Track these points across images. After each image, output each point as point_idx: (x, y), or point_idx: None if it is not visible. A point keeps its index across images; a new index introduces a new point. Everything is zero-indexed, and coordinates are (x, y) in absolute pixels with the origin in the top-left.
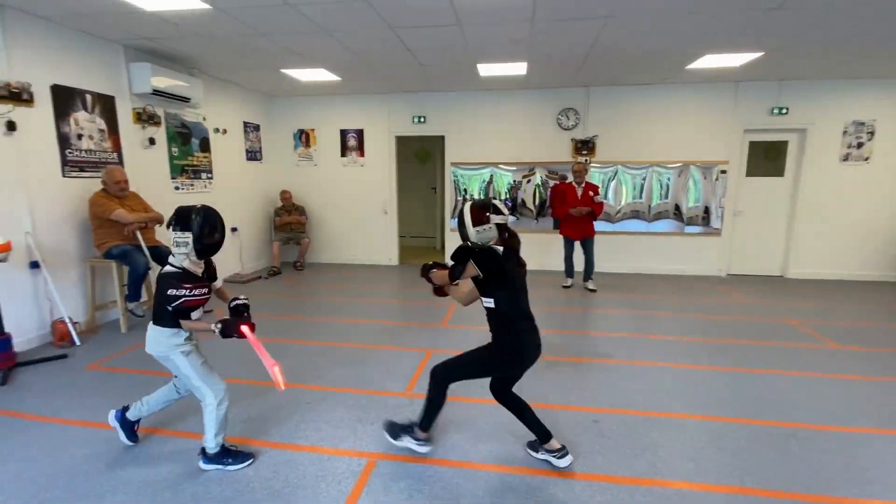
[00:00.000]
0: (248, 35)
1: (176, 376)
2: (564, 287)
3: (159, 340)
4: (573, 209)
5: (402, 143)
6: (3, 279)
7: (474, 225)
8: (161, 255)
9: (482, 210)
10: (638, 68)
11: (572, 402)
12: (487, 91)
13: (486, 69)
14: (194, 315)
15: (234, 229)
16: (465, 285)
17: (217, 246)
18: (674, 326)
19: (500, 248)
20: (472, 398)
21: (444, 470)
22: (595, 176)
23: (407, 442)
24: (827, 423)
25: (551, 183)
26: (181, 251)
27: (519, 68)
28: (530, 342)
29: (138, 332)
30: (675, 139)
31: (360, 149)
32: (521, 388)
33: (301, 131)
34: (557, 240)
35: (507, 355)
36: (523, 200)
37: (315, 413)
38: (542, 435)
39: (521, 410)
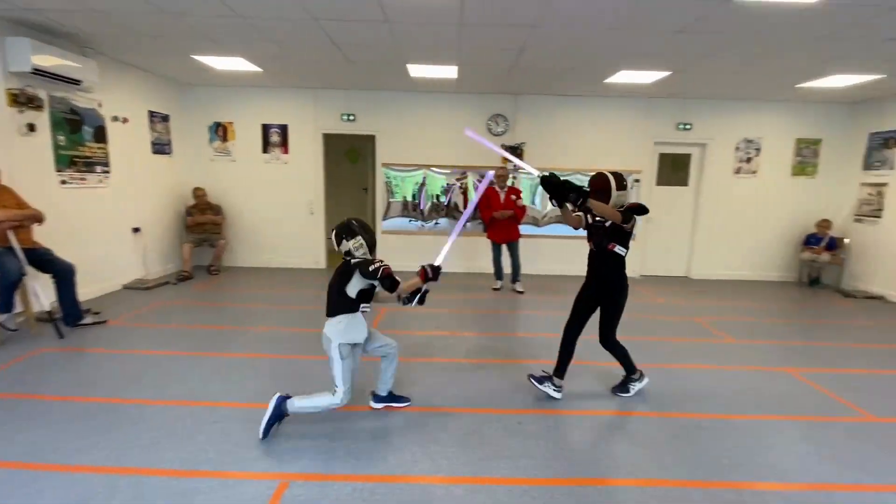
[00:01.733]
0: (151, 13)
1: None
2: (494, 289)
3: (328, 331)
4: (496, 213)
5: (331, 141)
6: None
7: (618, 189)
8: (40, 258)
9: (621, 178)
10: (562, 79)
11: (498, 405)
12: (419, 92)
13: (416, 70)
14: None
15: (136, 230)
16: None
17: (374, 241)
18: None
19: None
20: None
21: (370, 486)
22: (525, 182)
23: (634, 388)
24: (729, 412)
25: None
26: (360, 252)
27: (450, 71)
28: None
29: (11, 348)
30: (596, 148)
31: (284, 145)
32: (446, 392)
33: (217, 124)
34: (487, 243)
35: (626, 291)
36: (455, 203)
37: (222, 433)
38: (559, 372)
39: (572, 352)
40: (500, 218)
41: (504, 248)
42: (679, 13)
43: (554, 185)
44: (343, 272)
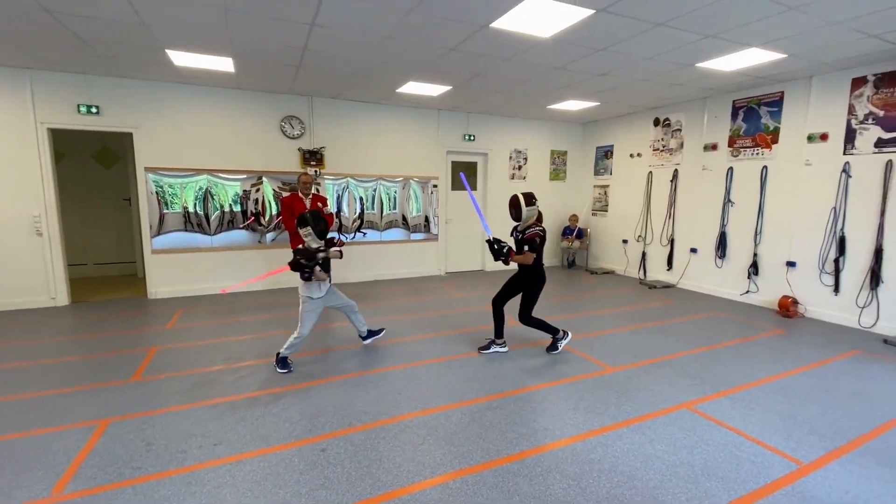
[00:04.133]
0: None
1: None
2: None
3: (300, 288)
4: None
5: (68, 139)
6: None
7: (527, 205)
8: None
9: (530, 196)
10: (355, 85)
11: (299, 437)
12: (192, 85)
13: (181, 58)
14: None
15: None
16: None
17: (325, 231)
18: (406, 327)
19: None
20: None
21: None
22: (329, 188)
23: (561, 344)
24: (511, 388)
25: (284, 195)
26: (308, 239)
27: (224, 63)
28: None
29: None
30: (397, 155)
31: None
32: (234, 437)
33: None
34: (288, 256)
35: (543, 282)
36: (252, 213)
37: None
38: (499, 334)
39: (502, 317)
40: None
41: None
42: (446, 34)
43: (494, 251)
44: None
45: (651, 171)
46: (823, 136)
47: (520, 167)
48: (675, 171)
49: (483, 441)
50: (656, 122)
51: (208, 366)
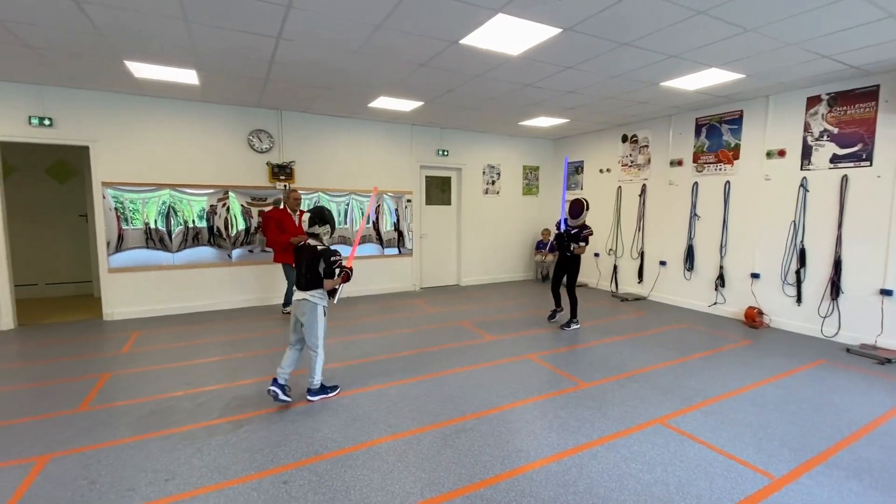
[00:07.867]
0: None
1: (304, 328)
2: (286, 313)
3: (312, 298)
4: (294, 238)
5: (17, 153)
6: None
7: (587, 209)
8: None
9: (588, 203)
10: (326, 99)
11: (260, 468)
12: (153, 97)
13: (142, 70)
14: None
15: None
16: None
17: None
18: (377, 346)
19: None
20: None
21: None
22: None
23: (574, 327)
24: (485, 408)
25: (254, 210)
26: (326, 238)
27: (188, 76)
28: None
29: None
30: (369, 170)
31: None
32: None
33: None
34: (272, 270)
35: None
36: (219, 229)
37: None
38: (573, 313)
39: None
40: (297, 243)
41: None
42: (417, 49)
43: (564, 244)
44: (313, 256)
45: (620, 186)
46: (781, 153)
47: (493, 182)
48: (644, 185)
49: (456, 466)
50: (624, 139)
51: (165, 392)
